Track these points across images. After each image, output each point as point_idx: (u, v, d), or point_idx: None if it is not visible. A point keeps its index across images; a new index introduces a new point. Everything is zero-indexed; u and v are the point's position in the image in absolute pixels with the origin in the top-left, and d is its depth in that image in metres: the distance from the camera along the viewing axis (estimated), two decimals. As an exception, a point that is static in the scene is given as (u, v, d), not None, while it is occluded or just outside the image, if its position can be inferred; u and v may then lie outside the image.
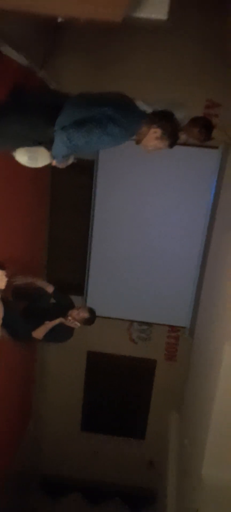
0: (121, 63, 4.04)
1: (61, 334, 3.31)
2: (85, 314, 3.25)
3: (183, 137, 4.19)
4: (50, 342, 3.43)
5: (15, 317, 3.12)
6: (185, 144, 4.27)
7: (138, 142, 2.23)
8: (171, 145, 2.22)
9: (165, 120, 2.16)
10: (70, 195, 4.64)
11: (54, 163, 2.23)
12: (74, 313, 3.27)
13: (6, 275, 2.79)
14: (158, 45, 3.97)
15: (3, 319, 2.95)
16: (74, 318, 3.27)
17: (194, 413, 4.22)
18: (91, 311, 3.30)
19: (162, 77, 4.03)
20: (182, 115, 3.12)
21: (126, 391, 5.49)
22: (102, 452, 5.66)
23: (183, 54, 4.03)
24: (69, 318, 3.22)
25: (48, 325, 3.21)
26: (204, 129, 3.15)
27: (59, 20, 2.17)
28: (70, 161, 2.37)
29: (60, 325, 3.26)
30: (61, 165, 2.27)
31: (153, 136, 2.16)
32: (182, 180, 4.44)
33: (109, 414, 5.58)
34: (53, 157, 2.19)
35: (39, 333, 3.21)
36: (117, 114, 2.04)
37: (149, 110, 3.08)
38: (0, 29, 2.54)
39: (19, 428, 4.56)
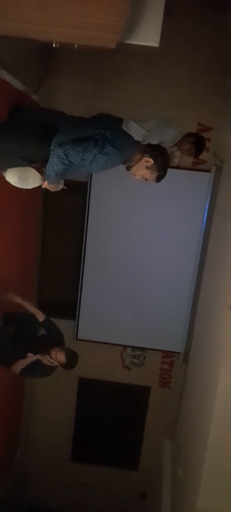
0: (114, 86, 4.10)
1: (39, 369, 3.16)
2: (61, 358, 3.06)
3: (176, 160, 4.28)
4: (27, 376, 3.32)
5: (4, 341, 3.06)
6: (178, 167, 4.36)
7: (128, 168, 2.29)
8: (158, 179, 2.29)
9: (158, 152, 2.24)
10: (63, 216, 4.60)
11: (45, 184, 2.25)
12: (53, 353, 3.11)
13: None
14: (150, 69, 4.04)
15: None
16: (52, 357, 3.12)
17: (188, 442, 4.11)
18: (70, 358, 3.10)
19: (154, 101, 4.09)
20: (175, 133, 3.19)
21: (119, 419, 5.33)
22: (93, 484, 5.45)
23: (175, 78, 4.11)
24: (47, 356, 3.08)
25: (25, 361, 3.07)
26: (195, 144, 3.23)
27: (54, 45, 2.20)
28: (60, 186, 2.38)
29: (39, 361, 3.14)
30: (52, 188, 2.29)
31: (143, 165, 2.22)
32: (175, 202, 4.46)
33: (102, 443, 5.39)
34: (46, 175, 2.21)
35: (16, 368, 3.10)
36: (114, 137, 2.11)
37: (141, 130, 3.14)
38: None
39: (6, 457, 4.39)
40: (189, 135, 3.33)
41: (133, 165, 2.25)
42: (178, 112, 4.09)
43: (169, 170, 2.38)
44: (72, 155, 2.07)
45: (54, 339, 3.23)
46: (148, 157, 2.20)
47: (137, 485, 5.46)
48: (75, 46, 2.26)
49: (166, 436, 5.14)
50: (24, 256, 3.96)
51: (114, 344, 4.99)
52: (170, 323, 4.84)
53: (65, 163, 2.09)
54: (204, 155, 3.84)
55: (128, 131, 3.06)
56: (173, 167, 4.28)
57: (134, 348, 5.12)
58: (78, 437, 5.40)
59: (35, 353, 3.10)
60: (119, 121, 3.15)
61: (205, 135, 4.21)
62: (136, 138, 3.08)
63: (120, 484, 5.46)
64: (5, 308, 3.16)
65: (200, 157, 3.65)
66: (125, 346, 5.10)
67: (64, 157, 2.07)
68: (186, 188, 4.42)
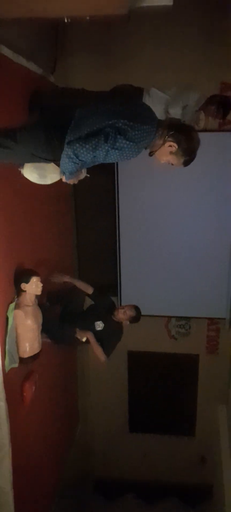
0: (130, 56, 3.97)
1: (112, 336, 3.29)
2: (131, 313, 3.21)
3: (201, 123, 4.11)
4: (110, 349, 3.34)
5: (53, 321, 3.14)
6: (204, 130, 4.18)
7: (151, 153, 2.00)
8: (186, 164, 2.00)
9: (183, 134, 1.92)
10: (94, 197, 4.57)
11: (63, 179, 2.07)
12: (120, 313, 3.24)
13: (41, 281, 2.83)
14: (165, 34, 3.89)
15: (42, 324, 2.98)
16: (121, 318, 3.23)
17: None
18: (137, 308, 3.26)
19: (171, 67, 3.92)
20: (196, 97, 3.04)
21: (171, 389, 5.32)
22: (152, 452, 5.50)
23: (191, 39, 3.91)
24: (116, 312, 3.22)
25: (95, 345, 3.19)
26: (221, 106, 3.05)
27: (66, 21, 2.17)
28: (83, 175, 2.20)
29: (108, 329, 3.24)
30: (72, 181, 2.10)
31: (167, 150, 1.94)
32: (206, 168, 4.28)
33: (157, 413, 5.41)
34: (61, 173, 2.05)
35: (100, 356, 3.22)
36: (127, 127, 1.82)
37: (164, 96, 3.00)
38: (12, 41, 2.60)
39: (69, 433, 4.55)
40: (213, 96, 3.16)
41: (156, 151, 1.97)
42: (198, 74, 3.92)
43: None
44: (82, 153, 1.84)
45: (110, 304, 3.37)
46: (171, 141, 1.91)
47: (195, 450, 5.44)
48: (87, 17, 2.21)
49: (219, 401, 5.04)
50: (61, 241, 4.04)
51: (158, 316, 4.95)
52: (212, 289, 4.71)
53: (76, 162, 1.88)
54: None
55: (151, 99, 2.93)
56: (199, 131, 4.11)
57: (178, 318, 5.04)
58: (133, 409, 5.47)
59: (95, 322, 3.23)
60: (139, 91, 3.05)
61: (229, 93, 4.01)
62: (158, 105, 2.99)
63: (178, 451, 5.46)
64: (48, 287, 3.23)
65: (227, 117, 3.44)
66: (169, 317, 5.03)
67: (74, 156, 1.85)
68: (215, 151, 4.23)
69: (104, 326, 3.26)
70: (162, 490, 5.55)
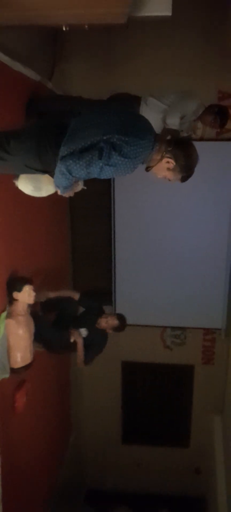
0: (128, 62, 3.96)
1: (96, 344, 3.24)
2: (114, 322, 3.15)
3: (198, 132, 4.09)
4: (91, 357, 3.29)
5: (46, 329, 3.09)
6: (201, 139, 4.17)
7: (148, 169, 1.93)
8: (183, 180, 1.93)
9: (181, 151, 1.85)
10: (89, 202, 4.52)
11: (59, 192, 2.00)
12: (103, 321, 3.18)
13: (34, 290, 2.78)
14: (163, 41, 3.88)
15: (35, 333, 2.93)
16: (104, 326, 3.18)
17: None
18: (121, 318, 3.19)
19: (169, 73, 3.92)
20: (195, 107, 3.02)
21: (166, 399, 5.26)
22: (146, 463, 5.43)
23: (188, 47, 3.91)
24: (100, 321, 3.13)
25: (80, 350, 3.13)
26: (218, 116, 3.03)
27: (64, 29, 2.14)
28: (79, 188, 2.14)
29: (93, 337, 3.19)
30: (68, 194, 2.04)
31: (164, 166, 1.87)
32: (202, 176, 4.25)
33: (151, 424, 5.36)
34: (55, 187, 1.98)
35: (80, 358, 3.16)
36: (123, 142, 1.75)
37: (161, 106, 2.97)
38: (8, 46, 2.57)
39: (61, 443, 4.49)
40: (211, 106, 3.14)
41: (153, 166, 1.90)
42: (196, 82, 3.90)
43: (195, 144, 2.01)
44: (75, 170, 1.77)
45: (98, 308, 3.29)
46: (169, 157, 1.84)
47: (190, 462, 5.38)
48: (86, 26, 2.19)
49: (214, 412, 5.00)
50: (56, 247, 4.00)
51: (153, 326, 4.90)
52: (208, 300, 4.67)
53: (70, 178, 1.82)
54: (228, 124, 3.62)
55: (148, 108, 2.89)
56: (196, 140, 4.10)
57: (173, 328, 5.00)
58: (126, 420, 5.41)
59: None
60: (137, 100, 3.01)
61: (227, 102, 4.01)
62: (156, 115, 2.95)
63: (173, 462, 5.40)
64: (42, 296, 3.19)
65: (225, 127, 3.43)
66: (165, 327, 4.99)
67: (67, 173, 1.79)
68: (213, 160, 4.21)
69: (89, 333, 3.21)
70: (155, 502, 5.48)
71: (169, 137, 1.92)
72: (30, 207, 3.12)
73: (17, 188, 2.27)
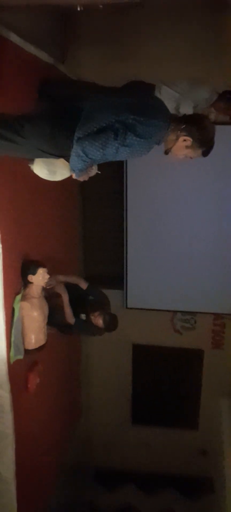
0: (142, 45, 3.88)
1: (85, 327, 3.27)
2: (99, 322, 3.13)
3: (212, 115, 4.02)
4: (75, 331, 3.34)
5: (58, 311, 3.13)
6: (215, 122, 4.09)
7: (167, 151, 1.93)
8: (205, 154, 1.92)
9: (195, 126, 1.85)
10: (101, 186, 4.48)
11: (73, 176, 2.00)
12: (94, 316, 3.18)
13: (48, 272, 2.80)
14: (176, 25, 3.79)
15: (48, 316, 2.97)
16: (93, 321, 3.19)
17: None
18: (107, 321, 3.13)
19: (183, 57, 3.84)
20: (208, 93, 2.97)
21: (175, 382, 5.30)
22: (154, 444, 5.51)
23: (205, 33, 3.82)
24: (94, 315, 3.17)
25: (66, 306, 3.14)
26: (230, 102, 2.98)
27: (79, 9, 2.10)
28: (94, 172, 2.14)
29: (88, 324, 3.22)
30: (83, 178, 2.04)
31: (182, 145, 1.87)
32: (216, 161, 4.18)
33: (160, 406, 5.41)
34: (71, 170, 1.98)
35: (68, 316, 3.16)
36: (138, 123, 1.76)
37: (174, 94, 2.93)
38: (21, 28, 2.53)
39: (71, 422, 4.57)
40: (224, 93, 3.07)
41: (171, 147, 1.90)
42: (209, 67, 3.81)
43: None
44: (91, 152, 1.77)
45: (95, 304, 3.28)
46: (185, 135, 1.85)
47: (198, 444, 5.44)
48: (101, 6, 2.14)
49: (223, 395, 5.01)
50: (67, 232, 4.00)
51: (163, 310, 4.92)
52: (218, 285, 4.65)
53: (86, 160, 1.82)
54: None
55: (161, 97, 2.87)
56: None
57: (183, 312, 5.01)
58: (137, 401, 5.47)
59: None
60: (151, 88, 2.96)
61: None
62: (169, 104, 2.90)
63: (180, 443, 5.47)
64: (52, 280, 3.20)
65: None
66: (175, 311, 5.01)
67: (83, 155, 1.79)
68: (227, 144, 4.14)
69: (86, 318, 3.23)
70: (162, 481, 5.59)
71: (182, 116, 1.92)
72: (41, 192, 3.11)
73: (27, 173, 2.27)
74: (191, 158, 1.94)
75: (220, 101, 3.01)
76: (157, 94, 2.89)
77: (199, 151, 1.90)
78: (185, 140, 1.86)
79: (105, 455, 5.62)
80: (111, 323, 3.19)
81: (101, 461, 5.68)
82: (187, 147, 1.88)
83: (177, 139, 1.87)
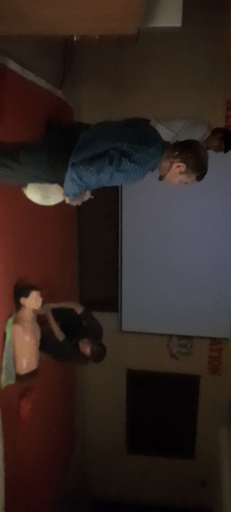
0: (136, 73, 3.99)
1: (75, 354, 3.20)
2: (86, 351, 3.09)
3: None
4: (63, 355, 3.25)
5: (52, 336, 3.08)
6: (207, 148, 4.15)
7: (161, 177, 1.96)
8: (199, 179, 1.95)
9: (189, 152, 1.88)
10: (97, 210, 4.50)
11: (67, 200, 2.02)
12: (81, 343, 3.13)
13: (41, 295, 2.78)
14: (171, 53, 3.91)
15: (41, 340, 2.93)
16: (82, 348, 3.13)
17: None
18: (94, 352, 3.08)
19: (178, 85, 3.94)
20: (203, 132, 3.02)
21: (171, 409, 5.20)
22: (151, 473, 5.36)
23: (198, 58, 3.93)
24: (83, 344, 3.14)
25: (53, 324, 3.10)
26: (224, 140, 3.03)
27: (75, 39, 2.16)
28: (87, 197, 2.15)
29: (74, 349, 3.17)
30: (76, 203, 2.05)
31: (176, 171, 1.90)
32: (210, 185, 4.23)
33: (155, 433, 5.29)
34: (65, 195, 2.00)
35: (56, 333, 3.11)
36: (132, 150, 1.79)
37: (170, 133, 2.99)
38: (19, 55, 2.59)
39: (66, 451, 4.45)
40: (216, 130, 3.14)
41: (165, 174, 1.93)
42: (204, 92, 3.91)
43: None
44: (86, 176, 1.80)
45: (88, 331, 3.23)
46: (179, 161, 1.88)
47: (195, 473, 5.29)
48: (97, 37, 2.20)
49: (221, 423, 4.91)
50: (63, 256, 3.99)
51: (159, 334, 4.87)
52: (215, 309, 4.62)
53: (80, 184, 1.84)
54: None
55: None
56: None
57: (180, 337, 4.96)
58: (131, 429, 5.34)
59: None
60: (145, 121, 3.04)
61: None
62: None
63: (178, 473, 5.33)
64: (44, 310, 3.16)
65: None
66: (171, 336, 4.96)
67: (77, 179, 1.81)
68: (220, 167, 4.18)
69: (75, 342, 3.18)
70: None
71: (175, 143, 1.95)
72: (37, 215, 3.13)
73: (25, 196, 2.28)
74: (186, 183, 1.97)
75: (212, 139, 3.07)
76: None
77: (194, 176, 1.92)
78: (178, 167, 1.89)
79: (102, 484, 5.46)
80: (99, 354, 3.12)
81: (98, 491, 5.51)
82: (181, 173, 1.91)
83: (171, 165, 1.89)
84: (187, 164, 1.88)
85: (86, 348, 3.09)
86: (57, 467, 4.07)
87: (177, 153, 1.88)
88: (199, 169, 1.91)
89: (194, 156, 1.88)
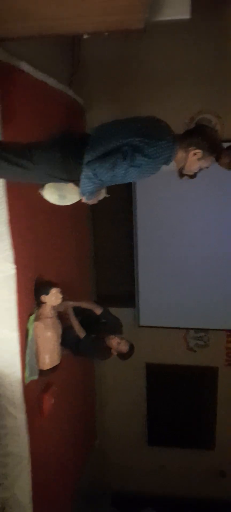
0: (144, 67, 3.94)
1: (96, 350, 3.22)
2: (125, 348, 3.09)
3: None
4: (84, 351, 3.25)
5: (72, 332, 3.11)
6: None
7: (180, 170, 1.97)
8: (218, 158, 1.98)
9: (200, 136, 1.89)
10: (111, 207, 4.48)
11: (83, 200, 2.04)
12: (114, 341, 3.12)
13: (61, 292, 2.81)
14: (180, 47, 3.86)
15: (61, 336, 2.96)
16: (112, 346, 3.13)
17: None
18: (131, 348, 3.12)
19: (186, 82, 3.89)
20: None
21: (190, 401, 5.17)
22: (171, 466, 5.35)
23: (206, 53, 3.86)
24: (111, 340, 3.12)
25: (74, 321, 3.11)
26: None
27: (85, 37, 2.17)
28: (102, 195, 2.16)
29: (101, 342, 3.17)
30: (92, 201, 2.07)
31: (194, 159, 1.91)
32: (224, 179, 4.20)
33: (175, 426, 5.26)
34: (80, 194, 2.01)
35: (77, 329, 3.12)
36: (145, 144, 1.81)
37: None
38: (30, 56, 2.60)
39: (86, 445, 4.47)
40: (228, 148, 3.10)
41: (184, 165, 1.94)
42: (212, 88, 3.86)
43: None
44: (101, 173, 1.83)
45: (105, 327, 3.25)
46: (194, 149, 1.89)
47: (215, 464, 5.24)
48: (106, 33, 2.21)
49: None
50: (79, 254, 4.01)
51: (176, 328, 4.84)
52: (231, 301, 4.57)
53: (96, 182, 1.86)
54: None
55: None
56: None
57: (196, 330, 4.93)
58: (152, 421, 5.33)
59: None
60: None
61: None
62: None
63: (197, 464, 5.29)
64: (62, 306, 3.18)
65: None
66: (187, 329, 4.93)
67: (93, 176, 1.84)
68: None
69: (93, 339, 3.17)
70: (179, 504, 5.38)
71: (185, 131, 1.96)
72: (53, 214, 3.15)
73: (40, 196, 2.30)
74: (207, 167, 1.97)
75: (224, 156, 3.03)
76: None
77: (212, 158, 1.94)
78: (195, 154, 1.90)
79: (122, 478, 5.46)
80: (133, 351, 3.16)
81: (118, 484, 5.51)
82: (199, 159, 1.92)
83: (187, 155, 1.91)
84: (202, 149, 1.89)
85: (124, 345, 3.08)
86: (78, 460, 4.09)
87: (190, 141, 1.89)
88: (215, 150, 1.93)
89: (207, 139, 1.90)
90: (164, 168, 1.99)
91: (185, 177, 2.93)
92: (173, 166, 2.02)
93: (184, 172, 1.98)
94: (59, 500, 3.46)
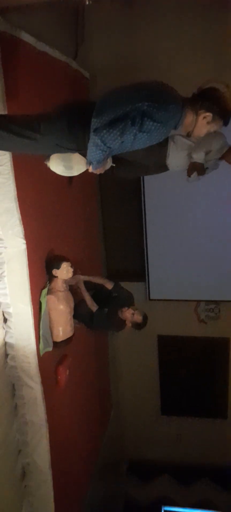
0: (149, 37, 3.80)
1: (110, 322, 3.22)
2: (139, 318, 3.10)
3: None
4: (99, 324, 3.26)
5: (84, 306, 3.13)
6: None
7: (189, 134, 1.92)
8: (226, 123, 1.92)
9: (211, 99, 1.85)
10: (119, 182, 4.37)
11: (90, 169, 1.99)
12: (128, 313, 3.13)
13: (72, 266, 2.81)
14: (187, 21, 3.74)
15: (74, 309, 2.98)
16: (126, 317, 3.14)
17: None
18: (145, 318, 3.12)
19: (194, 58, 3.75)
20: (221, 144, 2.91)
21: (202, 372, 5.21)
22: (185, 434, 5.44)
23: (214, 26, 3.72)
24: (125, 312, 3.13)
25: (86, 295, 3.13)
26: None
27: (87, 3, 2.10)
28: (109, 165, 2.11)
29: (115, 314, 3.18)
30: (99, 171, 2.02)
31: (203, 122, 1.87)
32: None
33: (188, 396, 5.33)
34: (88, 163, 1.96)
35: (89, 304, 3.14)
36: (153, 109, 1.74)
37: (187, 142, 2.89)
38: (32, 27, 2.54)
39: (102, 416, 4.54)
40: None
41: (193, 129, 1.89)
42: (221, 60, 3.71)
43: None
44: (110, 140, 1.76)
45: (117, 300, 3.23)
46: (204, 112, 1.84)
47: (228, 433, 5.29)
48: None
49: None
50: (88, 230, 3.99)
51: (187, 301, 4.84)
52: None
53: (104, 149, 1.80)
54: None
55: (175, 146, 2.91)
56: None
57: (207, 302, 4.91)
58: (165, 392, 5.41)
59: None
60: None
61: None
62: (182, 151, 2.91)
63: (211, 433, 5.36)
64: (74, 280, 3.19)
65: None
66: (198, 301, 4.91)
67: (101, 144, 1.77)
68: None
69: (107, 313, 3.17)
70: (194, 472, 5.49)
71: (193, 95, 1.89)
72: (63, 190, 3.14)
73: (48, 170, 2.28)
74: (215, 131, 1.94)
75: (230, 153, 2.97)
76: (171, 143, 2.92)
77: (221, 122, 1.89)
78: (205, 117, 1.85)
79: (138, 447, 5.59)
80: (146, 320, 3.18)
81: (134, 453, 5.65)
82: (208, 123, 1.88)
83: (197, 119, 1.86)
84: (212, 112, 1.84)
85: (137, 316, 3.09)
86: (94, 430, 4.17)
87: (200, 104, 1.84)
88: (225, 114, 1.87)
89: (217, 102, 1.84)
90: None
91: (194, 174, 2.89)
92: (180, 131, 1.98)
93: (192, 136, 1.93)
94: (77, 468, 3.53)
